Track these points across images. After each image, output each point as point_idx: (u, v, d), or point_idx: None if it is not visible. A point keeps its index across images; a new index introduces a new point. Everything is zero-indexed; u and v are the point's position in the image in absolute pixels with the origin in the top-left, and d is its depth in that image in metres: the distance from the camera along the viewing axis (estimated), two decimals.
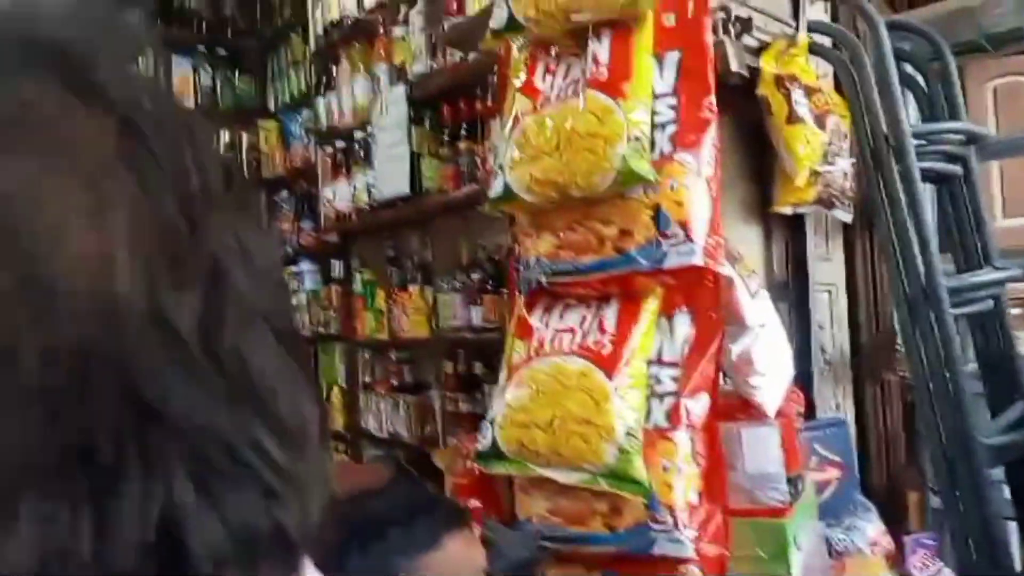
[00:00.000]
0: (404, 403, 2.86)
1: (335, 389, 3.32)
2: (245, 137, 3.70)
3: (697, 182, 1.13)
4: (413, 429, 2.82)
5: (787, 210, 1.61)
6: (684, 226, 1.10)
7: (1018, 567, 1.37)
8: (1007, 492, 1.44)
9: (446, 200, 2.45)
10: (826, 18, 1.78)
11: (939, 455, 1.30)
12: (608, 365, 1.11)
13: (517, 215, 1.25)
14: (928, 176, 1.53)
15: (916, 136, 1.46)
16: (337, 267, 3.27)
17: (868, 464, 1.73)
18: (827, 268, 1.81)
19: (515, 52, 1.31)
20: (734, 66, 1.43)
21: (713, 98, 1.16)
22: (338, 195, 2.91)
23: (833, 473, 1.40)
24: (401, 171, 2.49)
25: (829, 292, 1.83)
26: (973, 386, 1.37)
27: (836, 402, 1.75)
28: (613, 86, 1.12)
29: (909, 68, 1.73)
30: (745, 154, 1.59)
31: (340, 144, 2.90)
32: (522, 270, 1.24)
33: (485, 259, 2.50)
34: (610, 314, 1.16)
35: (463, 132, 2.37)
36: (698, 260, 1.09)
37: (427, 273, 2.77)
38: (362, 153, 2.74)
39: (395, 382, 2.93)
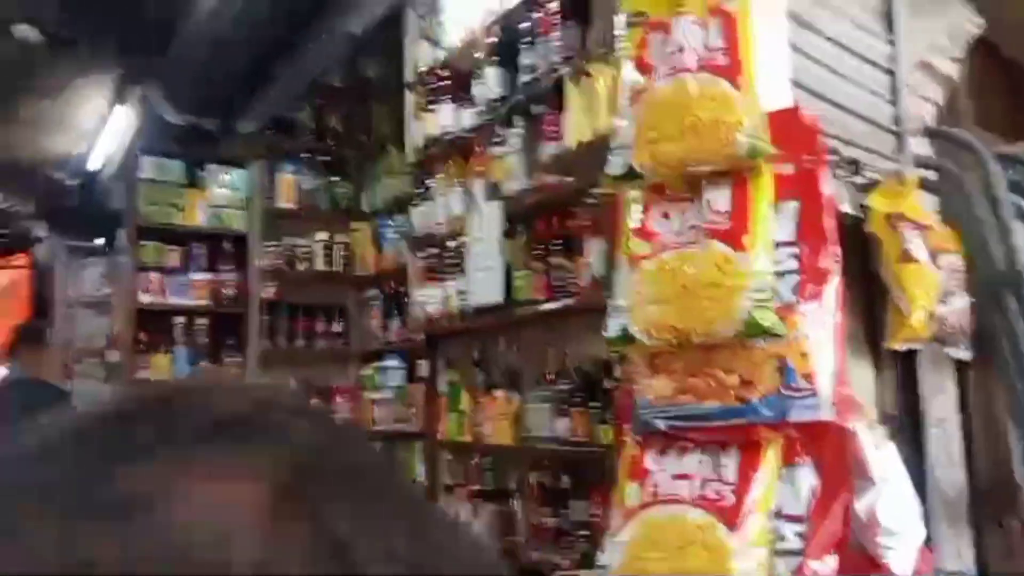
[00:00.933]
0: (485, 510, 2.83)
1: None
2: (340, 237, 3.88)
3: (821, 333, 1.12)
4: (493, 538, 2.78)
5: (900, 347, 1.57)
6: (809, 378, 1.09)
7: None
8: None
9: (536, 311, 2.49)
10: (931, 152, 1.78)
11: None
12: (730, 519, 1.09)
13: (632, 354, 1.27)
14: None
15: None
16: (422, 366, 3.33)
17: None
18: (939, 402, 1.74)
19: (628, 193, 1.35)
20: (846, 207, 1.44)
21: (837, 248, 1.17)
22: (429, 299, 3.00)
23: None
24: (494, 281, 2.56)
25: (943, 428, 1.75)
26: None
27: (957, 549, 1.65)
28: (734, 236, 1.14)
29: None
30: (853, 288, 1.58)
31: (433, 250, 3.01)
32: (637, 410, 1.24)
33: (574, 370, 2.51)
34: (730, 463, 1.14)
35: (556, 247, 2.44)
36: (826, 415, 1.07)
37: (513, 379, 2.79)
38: (455, 261, 2.83)
39: (476, 487, 2.91)
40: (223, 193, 3.62)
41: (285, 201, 3.83)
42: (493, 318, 2.68)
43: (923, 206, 1.57)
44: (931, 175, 1.64)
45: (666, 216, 1.27)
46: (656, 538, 1.12)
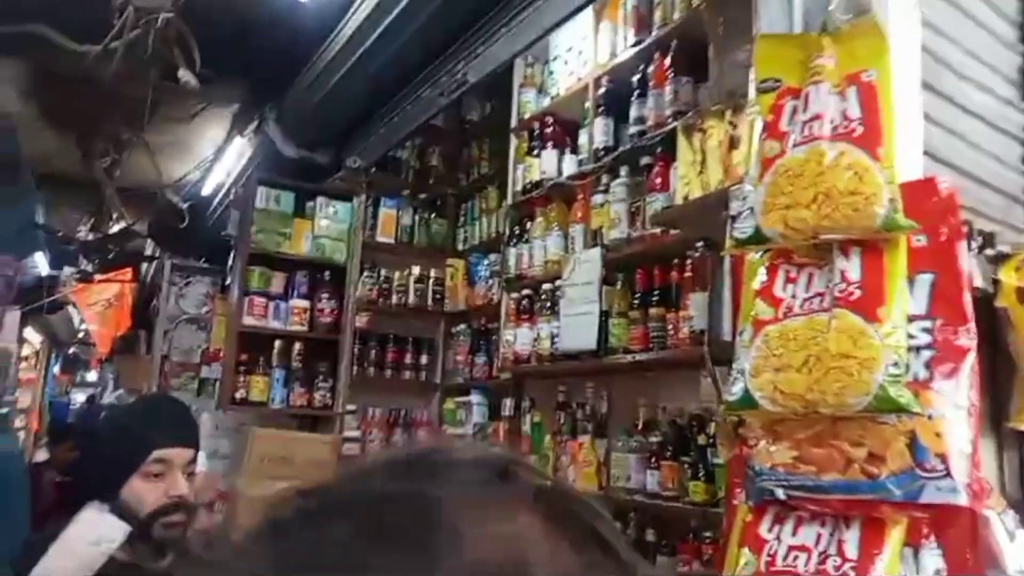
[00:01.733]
0: None
1: None
2: (433, 272, 3.98)
3: (956, 413, 1.09)
4: None
5: None
6: (944, 459, 1.06)
7: None
8: None
9: (630, 360, 2.49)
10: None
11: None
12: None
13: (751, 419, 1.25)
14: None
15: None
16: (506, 404, 3.36)
17: None
18: None
19: (752, 255, 1.35)
20: (978, 282, 1.40)
21: (972, 325, 1.14)
22: (519, 338, 3.04)
23: None
24: (589, 327, 2.58)
25: None
26: None
27: None
28: (867, 308, 1.13)
29: None
30: (979, 364, 1.52)
31: (526, 292, 3.05)
32: (752, 476, 1.23)
33: (666, 423, 2.49)
34: (851, 538, 1.11)
35: (655, 298, 2.44)
36: (962, 500, 1.04)
37: (599, 425, 2.78)
38: (549, 304, 2.86)
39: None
40: (327, 225, 3.78)
41: (384, 235, 3.97)
42: (583, 363, 2.69)
43: None
44: None
45: (791, 281, 1.27)
46: None
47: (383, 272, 3.95)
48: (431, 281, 3.99)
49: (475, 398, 3.65)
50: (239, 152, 4.47)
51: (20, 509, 2.88)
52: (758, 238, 1.27)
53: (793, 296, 1.25)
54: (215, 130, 4.76)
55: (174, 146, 5.07)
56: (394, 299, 3.95)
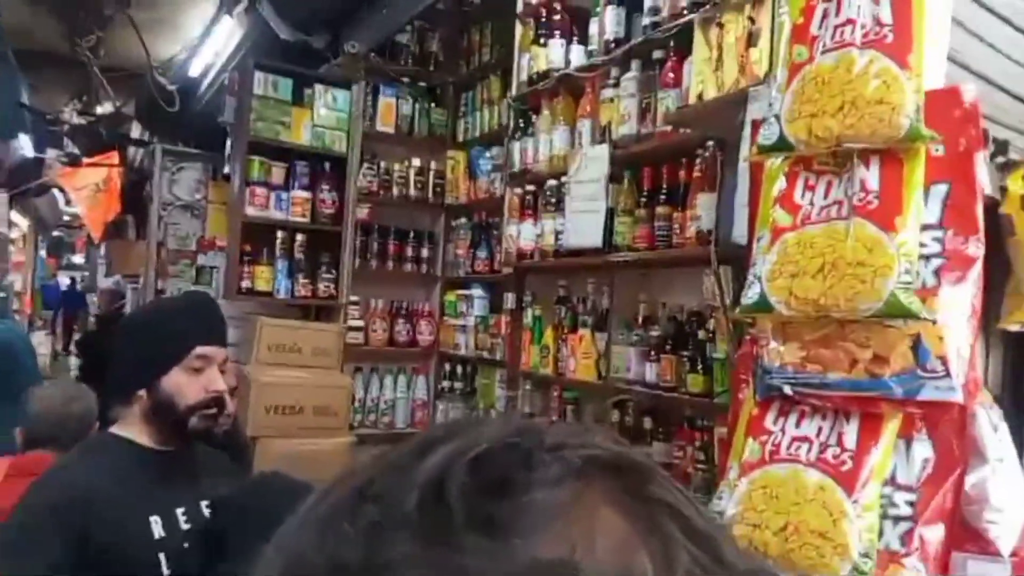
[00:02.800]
0: None
1: (492, 413, 3.48)
2: (434, 164, 3.95)
3: (960, 318, 1.16)
4: None
5: (1015, 327, 1.59)
6: (944, 361, 1.13)
7: None
8: None
9: (635, 258, 2.54)
10: None
11: None
12: (847, 483, 1.16)
13: (763, 320, 1.32)
14: None
15: None
16: (509, 299, 3.44)
17: None
18: None
19: (771, 161, 1.37)
20: (988, 190, 1.44)
21: (982, 235, 1.19)
22: (522, 234, 3.07)
23: None
24: (595, 225, 2.61)
25: None
26: None
27: None
28: (884, 218, 1.17)
29: None
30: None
31: (531, 187, 3.06)
32: (760, 372, 1.31)
33: (666, 318, 2.57)
34: (851, 431, 1.21)
35: (662, 197, 2.46)
36: (958, 398, 1.12)
37: (599, 320, 2.86)
38: (554, 200, 2.88)
39: (555, 419, 3.05)
40: (326, 114, 3.71)
41: (384, 125, 3.91)
42: (588, 259, 2.73)
43: None
44: None
45: (810, 188, 1.30)
46: (774, 493, 1.20)
47: (383, 164, 3.92)
48: (432, 173, 3.97)
49: (476, 291, 3.73)
50: (229, 32, 4.30)
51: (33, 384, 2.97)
52: (782, 145, 1.29)
53: (811, 203, 1.28)
54: (204, 5, 4.56)
55: (161, 24, 4.87)
56: (395, 191, 3.94)
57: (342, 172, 3.78)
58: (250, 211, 3.62)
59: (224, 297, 3.74)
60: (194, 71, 5.08)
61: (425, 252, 4.03)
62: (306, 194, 3.73)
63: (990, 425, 1.25)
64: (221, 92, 4.21)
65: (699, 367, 2.31)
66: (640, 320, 2.65)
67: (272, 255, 3.69)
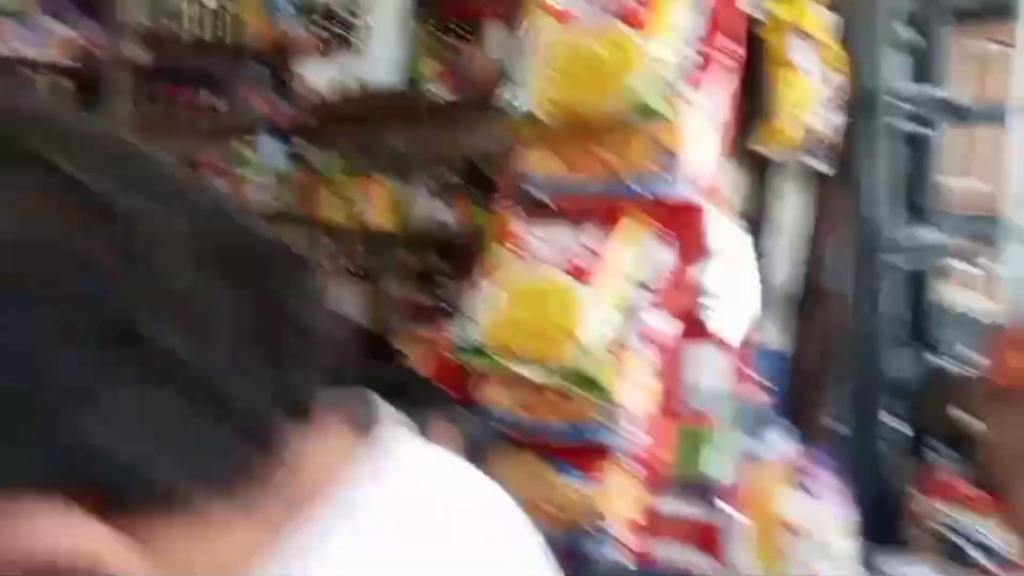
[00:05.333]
0: (358, 289, 2.93)
1: None
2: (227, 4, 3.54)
3: (707, 125, 1.20)
4: (367, 315, 2.91)
5: (763, 150, 1.69)
6: (686, 164, 1.18)
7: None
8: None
9: (434, 99, 2.45)
10: None
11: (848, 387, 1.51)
12: (587, 279, 1.20)
13: (526, 134, 1.30)
14: (901, 135, 1.64)
15: (897, 97, 1.57)
16: (305, 147, 3.25)
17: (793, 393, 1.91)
18: (789, 212, 1.92)
19: None
20: (749, 11, 1.48)
21: (741, 49, 1.22)
22: (318, 74, 2.86)
23: (762, 395, 1.55)
24: (393, 63, 2.47)
25: (788, 235, 1.95)
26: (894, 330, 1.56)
27: (777, 336, 1.91)
28: (635, 15, 1.16)
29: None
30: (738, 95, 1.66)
31: (325, 23, 2.82)
32: (519, 183, 1.31)
33: (463, 162, 2.54)
34: (594, 233, 1.24)
35: (462, 32, 2.36)
36: (692, 196, 1.18)
37: (400, 167, 2.78)
38: (351, 37, 2.68)
39: (351, 268, 2.99)
40: None
41: None
42: (387, 101, 2.61)
43: (823, 21, 1.62)
44: None
45: None
46: (516, 289, 1.23)
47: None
48: (224, 12, 3.55)
49: (270, 140, 3.49)
50: None
51: None
52: None
53: (575, 10, 1.25)
54: None
55: None
56: (180, 30, 3.49)
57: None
58: None
59: None
60: None
61: (219, 101, 3.67)
62: (64, 29, 3.21)
63: (719, 222, 1.33)
64: None
65: (490, 206, 2.32)
66: (440, 164, 2.60)
67: None
